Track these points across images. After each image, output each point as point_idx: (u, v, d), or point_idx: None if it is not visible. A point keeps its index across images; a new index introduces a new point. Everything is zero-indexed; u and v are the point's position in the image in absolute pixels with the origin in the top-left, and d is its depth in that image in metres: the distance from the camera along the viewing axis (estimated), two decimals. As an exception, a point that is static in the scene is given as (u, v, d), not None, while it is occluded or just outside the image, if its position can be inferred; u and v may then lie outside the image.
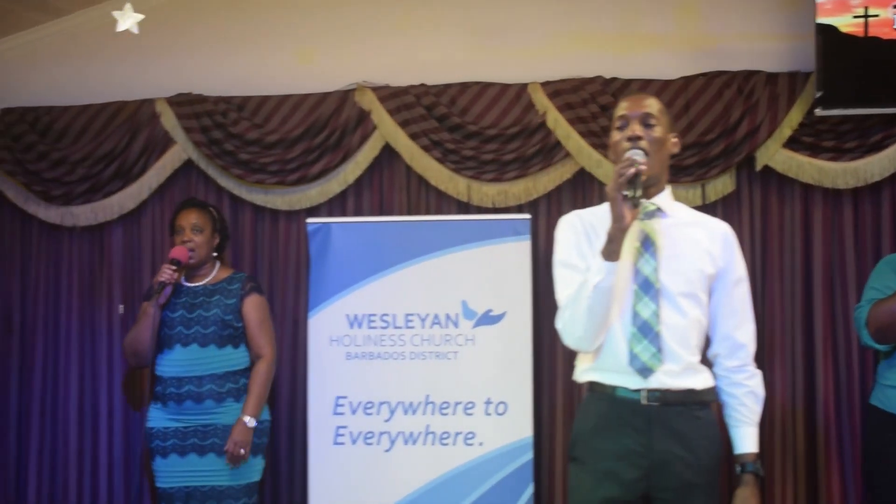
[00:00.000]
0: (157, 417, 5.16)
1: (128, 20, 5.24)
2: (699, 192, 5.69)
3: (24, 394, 6.29)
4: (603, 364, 3.47)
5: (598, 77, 5.83)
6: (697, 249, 3.49)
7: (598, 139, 5.71)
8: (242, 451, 5.03)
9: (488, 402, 5.59)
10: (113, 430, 6.16)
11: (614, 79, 5.83)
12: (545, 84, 5.87)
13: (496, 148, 5.87)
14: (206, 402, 5.07)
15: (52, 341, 6.29)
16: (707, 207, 5.53)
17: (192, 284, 5.25)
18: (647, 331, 3.39)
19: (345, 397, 5.68)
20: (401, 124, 5.94)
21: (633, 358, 3.40)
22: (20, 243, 6.38)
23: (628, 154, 3.36)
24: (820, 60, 5.47)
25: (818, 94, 5.47)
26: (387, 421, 5.65)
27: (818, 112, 5.52)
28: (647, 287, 3.42)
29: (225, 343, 5.14)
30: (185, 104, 6.13)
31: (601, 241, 3.32)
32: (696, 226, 3.57)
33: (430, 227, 5.76)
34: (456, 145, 5.88)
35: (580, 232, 3.54)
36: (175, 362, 5.12)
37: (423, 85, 5.99)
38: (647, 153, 3.39)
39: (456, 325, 5.65)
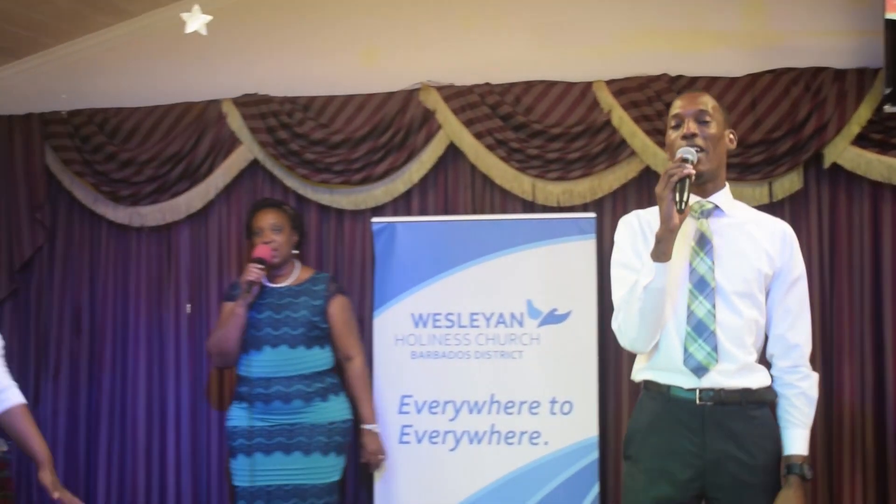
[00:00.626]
0: (241, 416, 5.19)
1: (196, 21, 5.28)
2: (766, 191, 5.64)
3: (94, 393, 6.35)
4: (658, 363, 3.47)
5: (664, 75, 5.80)
6: (755, 248, 3.47)
7: (664, 137, 5.66)
8: (380, 457, 5.16)
9: (553, 402, 5.58)
10: (181, 429, 6.20)
11: (680, 76, 5.79)
12: (610, 82, 5.84)
13: (561, 147, 5.85)
14: (295, 402, 5.11)
15: (121, 341, 6.34)
16: (774, 206, 5.50)
17: (276, 285, 5.28)
18: (701, 330, 3.38)
19: (410, 396, 5.69)
20: (465, 123, 5.94)
21: (688, 357, 3.39)
22: (89, 244, 6.44)
23: (680, 153, 3.38)
24: (889, 56, 5.39)
25: (887, 91, 5.39)
26: (452, 420, 5.66)
27: (887, 109, 5.44)
28: (702, 286, 3.41)
29: (313, 344, 5.18)
30: (251, 105, 6.17)
31: None
32: (755, 224, 3.55)
33: (495, 226, 5.76)
34: (520, 144, 5.87)
35: (636, 231, 3.54)
36: (264, 363, 5.15)
37: (487, 84, 5.98)
38: (702, 150, 3.40)
39: (521, 324, 5.65)
